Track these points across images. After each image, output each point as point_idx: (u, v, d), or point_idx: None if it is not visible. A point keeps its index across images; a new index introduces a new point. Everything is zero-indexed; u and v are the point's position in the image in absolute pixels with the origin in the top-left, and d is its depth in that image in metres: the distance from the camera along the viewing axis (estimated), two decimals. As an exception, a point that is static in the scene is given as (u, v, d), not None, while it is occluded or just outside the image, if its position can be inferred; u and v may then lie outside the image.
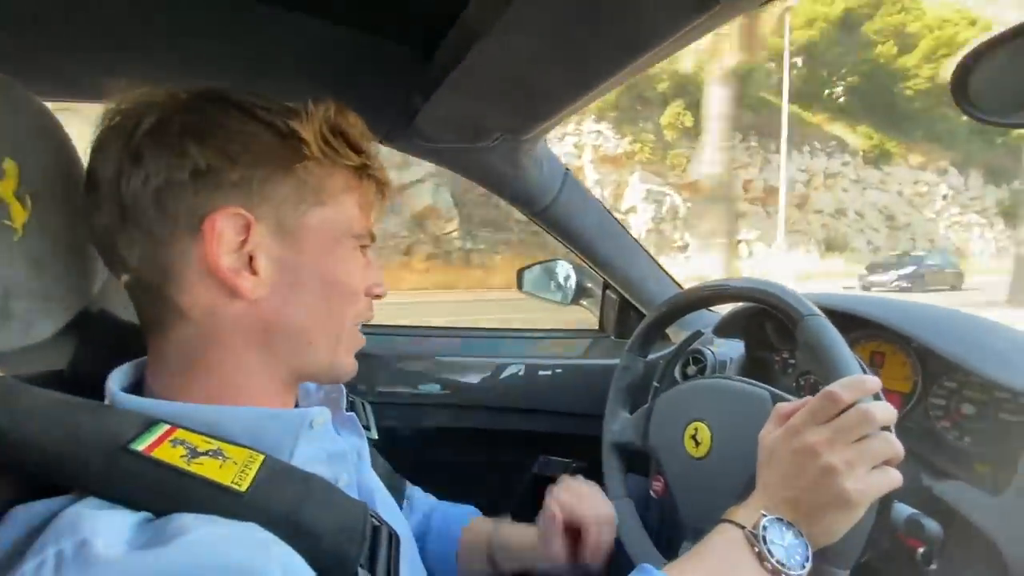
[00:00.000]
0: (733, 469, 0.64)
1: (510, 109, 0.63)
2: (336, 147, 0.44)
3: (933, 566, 0.52)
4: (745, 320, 0.92)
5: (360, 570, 0.37)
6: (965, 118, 0.43)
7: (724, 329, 0.94)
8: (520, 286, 1.33)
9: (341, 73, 0.67)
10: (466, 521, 0.69)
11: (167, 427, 0.37)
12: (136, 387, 0.43)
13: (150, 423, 0.37)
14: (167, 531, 0.31)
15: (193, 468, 0.35)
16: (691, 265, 11.87)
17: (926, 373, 0.72)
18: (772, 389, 0.62)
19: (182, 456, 0.35)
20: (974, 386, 0.67)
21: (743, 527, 0.47)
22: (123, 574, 0.28)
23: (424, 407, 1.10)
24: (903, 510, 0.54)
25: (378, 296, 0.51)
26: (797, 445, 0.48)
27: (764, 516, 0.47)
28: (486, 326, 1.29)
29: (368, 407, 0.66)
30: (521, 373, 1.14)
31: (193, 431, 0.38)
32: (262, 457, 0.38)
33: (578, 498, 0.61)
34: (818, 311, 0.56)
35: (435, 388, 1.10)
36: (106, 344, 0.49)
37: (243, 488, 0.35)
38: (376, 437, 0.64)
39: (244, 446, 0.39)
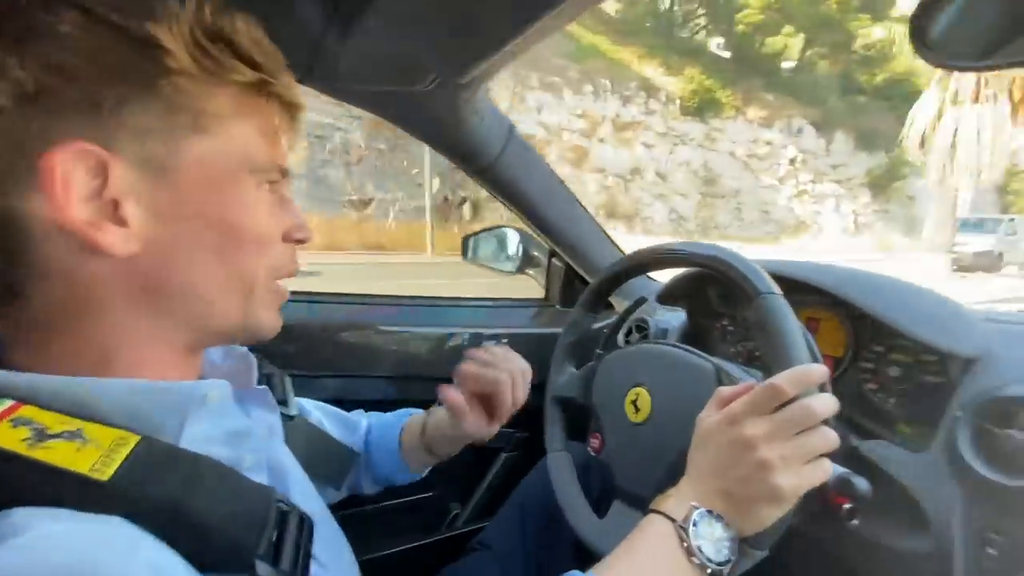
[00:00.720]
0: (669, 438, 0.63)
1: (444, 46, 0.57)
2: (216, 57, 0.35)
3: (855, 522, 0.53)
4: (688, 286, 0.91)
5: (258, 562, 0.33)
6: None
7: (667, 296, 0.94)
8: (464, 254, 1.28)
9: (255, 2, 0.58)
10: (403, 421, 0.71)
11: (10, 403, 0.30)
12: None
13: None
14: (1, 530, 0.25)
15: (36, 454, 0.29)
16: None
17: (858, 338, 0.73)
18: (718, 362, 0.61)
19: (24, 439, 0.29)
20: (902, 349, 0.68)
21: (673, 520, 0.46)
22: None
23: (367, 379, 1.04)
24: (835, 469, 0.54)
25: (300, 241, 0.44)
26: (734, 435, 0.46)
27: (695, 509, 0.46)
28: (431, 294, 1.23)
29: (288, 380, 0.60)
30: (466, 342, 1.10)
31: (47, 408, 0.31)
32: (136, 439, 0.32)
33: (486, 363, 0.63)
34: (776, 289, 0.54)
35: (377, 359, 1.04)
36: None
37: (105, 477, 0.29)
38: (294, 413, 0.59)
39: (116, 426, 0.32)
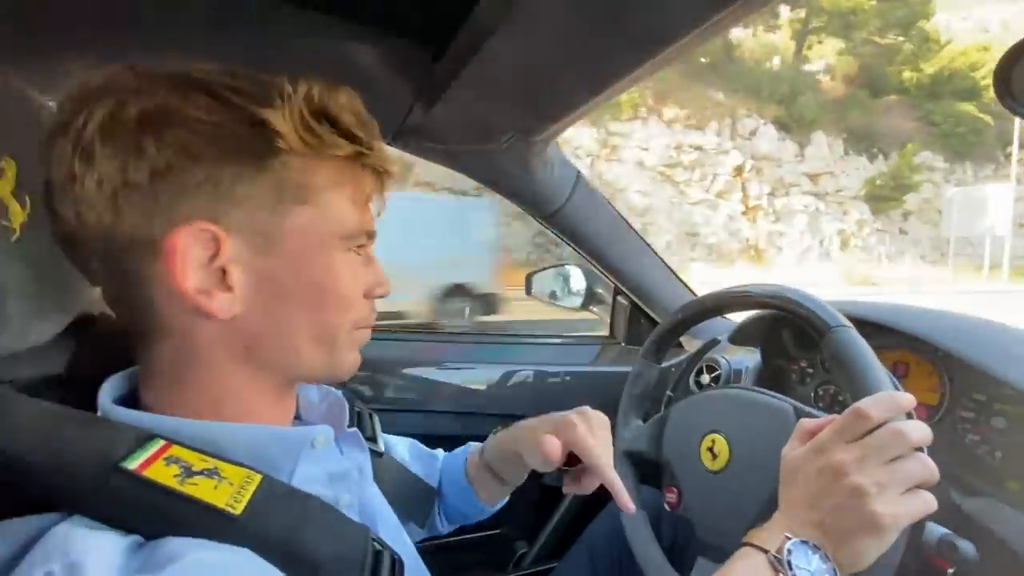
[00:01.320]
0: (752, 484, 0.62)
1: (521, 109, 0.62)
2: (321, 136, 0.38)
3: None
4: (762, 328, 0.89)
5: None
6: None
7: (740, 337, 0.92)
8: (528, 290, 1.31)
9: (348, 71, 0.65)
10: (465, 454, 0.70)
11: (163, 443, 0.35)
12: (131, 396, 0.41)
13: (145, 439, 0.35)
14: (157, 557, 0.30)
15: (187, 489, 0.33)
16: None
17: (953, 384, 0.69)
18: (795, 403, 0.59)
19: (175, 475, 0.34)
20: (1006, 398, 0.64)
21: (766, 551, 0.44)
22: None
23: (431, 414, 1.08)
24: (935, 530, 0.51)
25: (380, 296, 0.47)
26: (823, 463, 0.45)
27: (789, 539, 0.44)
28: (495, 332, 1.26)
29: (375, 418, 0.64)
30: (530, 379, 1.12)
31: (190, 448, 0.36)
32: (259, 478, 0.36)
33: (590, 434, 0.55)
34: (846, 322, 0.53)
35: (442, 395, 1.08)
36: (105, 349, 0.48)
37: (237, 511, 0.33)
38: (383, 451, 0.62)
39: (242, 465, 0.37)
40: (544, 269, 1.31)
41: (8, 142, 0.37)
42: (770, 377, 0.92)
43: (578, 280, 1.27)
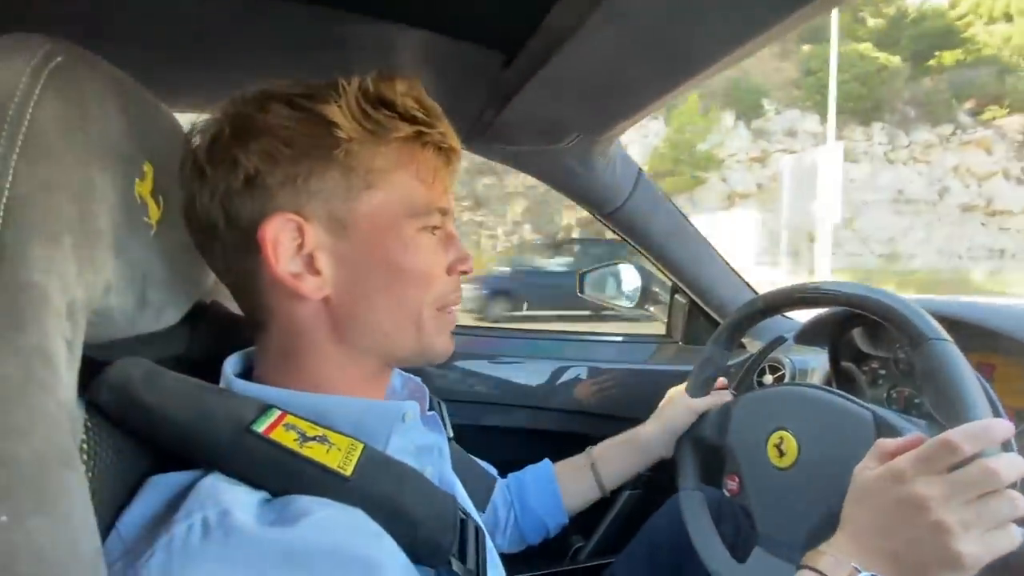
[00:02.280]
0: (819, 487, 0.61)
1: (591, 109, 0.63)
2: (379, 120, 0.41)
3: None
4: (831, 327, 0.87)
5: (453, 559, 0.39)
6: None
7: (807, 336, 0.90)
8: (580, 289, 1.32)
9: (421, 78, 0.69)
10: (550, 468, 0.76)
11: (279, 412, 0.40)
12: (247, 374, 0.46)
13: (265, 408, 0.39)
14: (289, 511, 0.34)
15: (305, 451, 0.37)
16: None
17: None
18: (876, 410, 0.58)
19: (295, 440, 0.38)
20: None
21: None
22: (258, 546, 0.31)
23: (482, 405, 1.11)
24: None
25: (464, 272, 0.48)
26: (904, 494, 0.43)
27: (858, 572, 0.42)
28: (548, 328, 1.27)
29: (443, 406, 0.67)
30: (583, 376, 1.13)
31: (301, 417, 0.40)
32: (362, 445, 0.40)
33: None
34: (946, 335, 0.51)
35: (493, 387, 1.11)
36: (216, 333, 0.53)
37: (348, 472, 0.37)
38: (451, 435, 0.66)
39: (345, 434, 0.41)
40: (597, 268, 1.31)
41: (147, 149, 0.42)
42: (838, 378, 0.89)
43: (632, 279, 1.26)
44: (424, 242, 0.45)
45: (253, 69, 0.67)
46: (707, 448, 0.77)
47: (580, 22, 0.49)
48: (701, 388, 0.78)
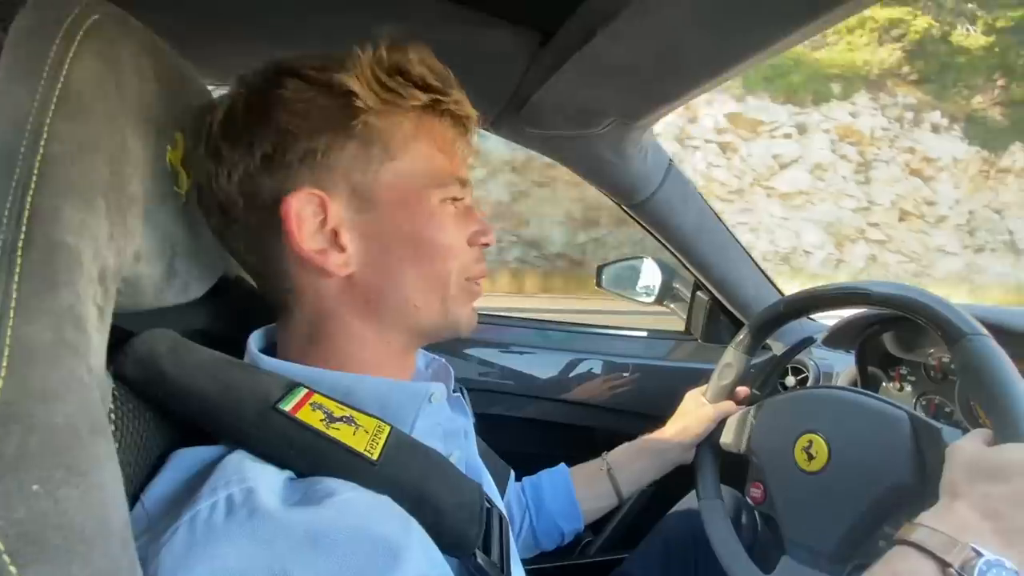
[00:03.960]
0: (851, 489, 0.59)
1: (631, 93, 0.61)
2: (395, 88, 0.40)
3: None
4: (859, 330, 0.84)
5: (477, 552, 0.37)
6: None
7: (834, 339, 0.87)
8: (599, 283, 1.30)
9: (454, 55, 0.67)
10: (567, 472, 0.75)
11: (306, 391, 0.38)
12: (270, 350, 0.45)
13: (292, 386, 0.38)
14: (316, 492, 0.33)
15: (331, 432, 0.36)
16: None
17: None
18: (910, 411, 0.56)
19: (321, 420, 0.37)
20: None
21: (944, 561, 0.38)
22: (283, 526, 0.30)
23: (494, 394, 1.10)
24: None
25: (485, 244, 0.47)
26: None
27: (980, 554, 0.38)
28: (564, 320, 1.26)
29: (464, 391, 0.66)
30: (598, 369, 1.12)
31: (328, 397, 0.39)
32: (388, 428, 0.39)
33: None
34: (984, 330, 0.50)
35: (506, 376, 1.10)
36: (241, 309, 0.52)
37: (375, 456, 0.36)
38: (474, 421, 0.64)
39: (372, 415, 0.40)
40: (617, 261, 1.30)
41: (179, 116, 0.41)
42: (864, 383, 0.87)
43: (653, 274, 1.24)
44: (447, 213, 0.44)
45: (283, 40, 0.66)
46: (727, 454, 0.75)
47: (624, 3, 0.47)
48: (720, 396, 0.76)
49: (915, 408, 0.81)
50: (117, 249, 0.32)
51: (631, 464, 0.75)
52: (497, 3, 0.61)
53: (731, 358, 0.75)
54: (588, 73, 0.58)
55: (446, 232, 0.43)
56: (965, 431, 0.65)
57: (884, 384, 0.86)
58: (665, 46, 0.50)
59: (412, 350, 0.49)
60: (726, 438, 0.73)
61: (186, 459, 0.35)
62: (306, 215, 0.39)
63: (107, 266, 0.31)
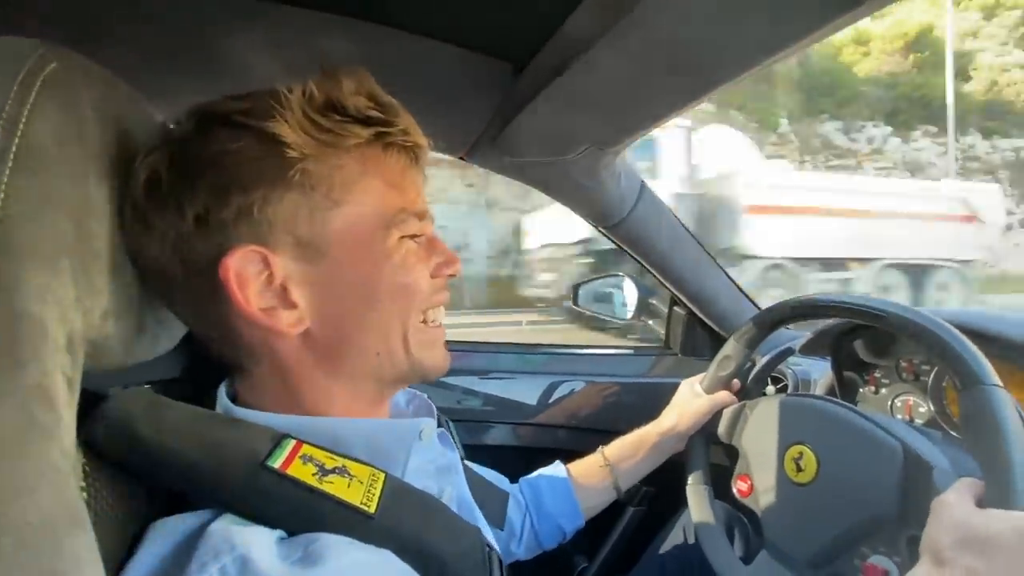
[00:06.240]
0: (836, 507, 0.61)
1: (604, 122, 0.62)
2: (331, 128, 0.37)
3: None
4: (833, 337, 0.87)
5: None
6: None
7: (810, 347, 0.90)
8: (575, 300, 1.31)
9: (429, 87, 0.67)
10: (564, 470, 0.75)
11: (294, 442, 0.37)
12: (237, 399, 0.43)
13: (279, 438, 0.36)
14: (313, 551, 0.31)
15: (325, 487, 0.34)
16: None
17: None
18: (905, 441, 0.57)
19: (314, 474, 0.35)
20: None
21: None
22: None
23: (475, 424, 1.08)
24: None
25: (450, 275, 0.44)
26: None
27: None
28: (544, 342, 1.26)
29: (451, 423, 0.65)
30: (582, 389, 1.11)
31: (316, 446, 0.37)
32: (383, 476, 0.37)
33: None
34: (998, 381, 0.49)
35: (486, 404, 1.08)
36: (209, 358, 0.50)
37: (372, 510, 0.35)
38: (461, 454, 0.63)
39: (364, 463, 0.38)
40: (592, 280, 1.30)
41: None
42: (841, 388, 0.89)
43: (629, 291, 1.25)
44: (405, 252, 0.41)
45: (248, 76, 0.64)
46: (718, 446, 0.77)
47: (597, 34, 0.47)
48: (717, 387, 0.78)
49: (891, 411, 0.84)
50: (84, 310, 0.30)
51: (629, 459, 0.76)
52: (470, 36, 0.61)
53: (731, 350, 0.76)
54: (561, 103, 0.58)
55: (408, 271, 0.41)
56: (953, 444, 0.67)
57: (861, 389, 0.88)
58: (636, 77, 0.51)
59: (386, 395, 0.47)
60: (720, 429, 0.75)
61: (167, 531, 0.32)
62: (249, 274, 0.36)
63: (74, 331, 0.28)
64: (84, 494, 0.30)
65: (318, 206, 0.37)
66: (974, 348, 0.51)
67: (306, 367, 0.40)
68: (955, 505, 0.44)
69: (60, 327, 0.27)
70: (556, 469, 0.75)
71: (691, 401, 0.78)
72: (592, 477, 0.74)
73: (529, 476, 0.75)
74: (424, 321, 0.43)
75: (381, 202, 0.39)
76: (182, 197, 0.35)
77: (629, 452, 0.76)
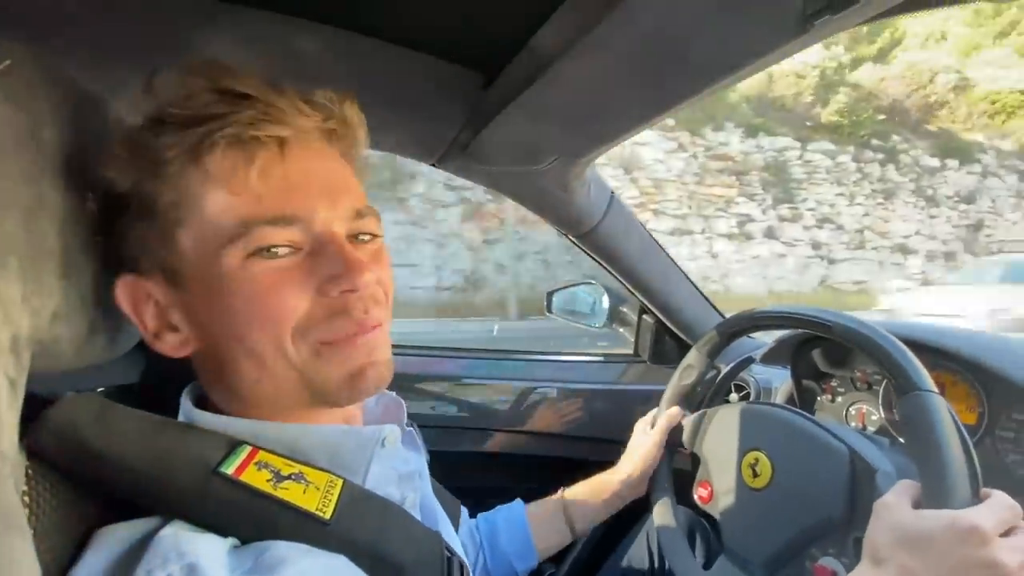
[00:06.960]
0: (787, 510, 0.63)
1: (573, 133, 0.64)
2: (148, 146, 0.34)
3: None
4: (792, 347, 0.90)
5: None
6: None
7: (771, 356, 0.93)
8: (549, 308, 1.32)
9: (399, 95, 0.67)
10: (522, 509, 0.74)
11: (250, 449, 0.36)
12: (202, 400, 0.42)
13: (234, 444, 0.36)
14: (265, 560, 0.31)
15: (280, 493, 0.34)
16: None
17: (992, 403, 0.70)
18: (852, 445, 0.60)
19: (268, 480, 0.35)
20: None
21: None
22: None
23: (448, 430, 1.08)
24: None
25: (347, 290, 0.37)
26: (987, 558, 0.41)
27: None
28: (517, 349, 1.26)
29: (415, 426, 0.65)
30: (553, 396, 1.12)
31: (274, 452, 0.37)
32: (341, 482, 0.37)
33: None
34: (935, 388, 0.51)
35: (459, 410, 1.08)
36: (170, 361, 0.49)
37: (327, 516, 0.34)
38: (426, 458, 0.63)
39: (322, 469, 0.38)
40: (565, 287, 1.32)
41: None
42: (800, 397, 0.92)
43: (601, 298, 1.27)
44: (257, 271, 0.35)
45: None
46: (680, 455, 0.78)
47: (566, 47, 0.49)
48: (679, 396, 0.79)
49: (846, 418, 0.87)
50: (32, 311, 0.29)
51: (586, 503, 0.76)
52: (442, 46, 0.62)
53: (693, 359, 0.78)
54: (531, 114, 0.59)
55: (266, 295, 0.35)
56: (897, 446, 0.70)
57: (819, 397, 0.91)
58: (603, 90, 0.53)
59: (322, 408, 0.42)
60: (683, 436, 0.77)
61: (114, 537, 0.32)
62: (138, 299, 0.38)
63: (20, 332, 0.28)
64: (26, 497, 0.29)
65: (165, 231, 0.36)
66: (912, 356, 0.53)
67: (219, 378, 0.40)
68: (893, 506, 0.46)
69: (5, 328, 0.26)
70: (514, 509, 0.75)
71: (642, 443, 0.79)
72: (550, 519, 0.74)
73: (487, 513, 0.74)
74: (330, 343, 0.37)
75: (221, 214, 0.34)
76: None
77: (588, 498, 0.76)
